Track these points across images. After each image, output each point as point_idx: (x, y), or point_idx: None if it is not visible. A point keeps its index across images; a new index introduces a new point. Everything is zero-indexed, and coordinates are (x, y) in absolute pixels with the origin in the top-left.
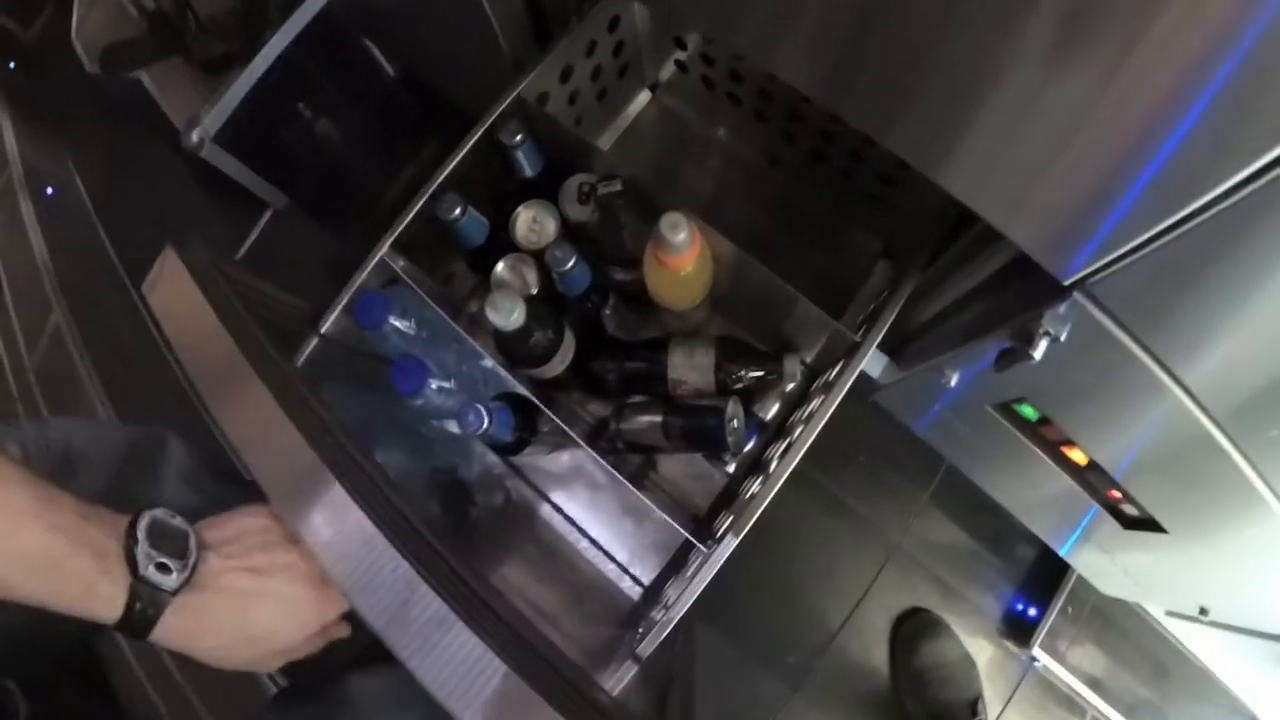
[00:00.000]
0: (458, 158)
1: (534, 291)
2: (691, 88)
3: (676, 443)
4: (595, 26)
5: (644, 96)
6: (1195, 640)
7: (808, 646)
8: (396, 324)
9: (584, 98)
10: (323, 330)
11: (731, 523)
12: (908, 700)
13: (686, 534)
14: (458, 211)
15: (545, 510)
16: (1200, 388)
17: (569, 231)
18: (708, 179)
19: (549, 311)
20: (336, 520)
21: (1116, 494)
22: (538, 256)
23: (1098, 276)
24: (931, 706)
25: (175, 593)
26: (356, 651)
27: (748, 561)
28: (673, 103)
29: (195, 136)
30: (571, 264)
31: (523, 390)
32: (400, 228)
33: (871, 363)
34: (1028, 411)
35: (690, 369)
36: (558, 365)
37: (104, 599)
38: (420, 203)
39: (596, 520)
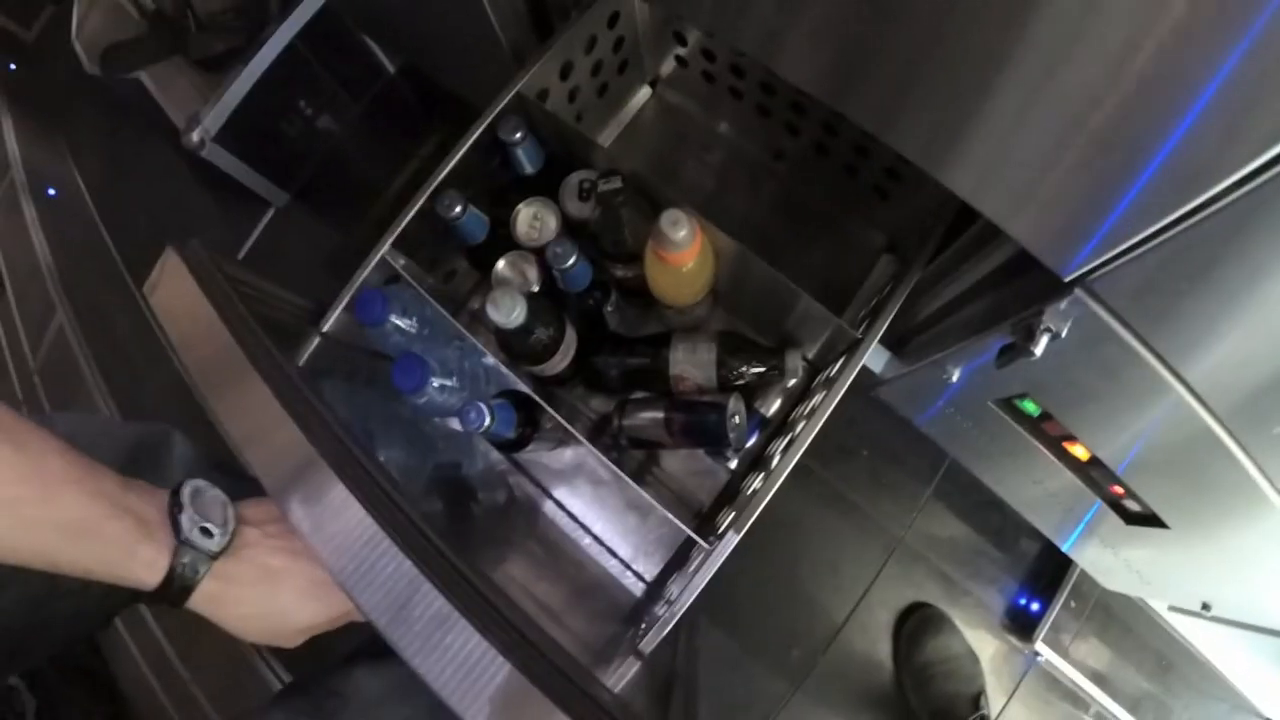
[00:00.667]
0: (458, 155)
1: (535, 289)
2: (692, 83)
3: (679, 439)
4: (595, 21)
5: (644, 92)
6: (1199, 635)
7: (811, 642)
8: (398, 322)
9: (584, 94)
10: (324, 329)
11: (733, 519)
12: (911, 695)
13: (689, 531)
14: (458, 209)
15: (548, 507)
16: (1202, 384)
17: (570, 228)
18: (709, 174)
19: (550, 308)
20: (337, 518)
21: (1119, 490)
22: (539, 254)
23: (1099, 273)
24: (935, 701)
25: (215, 556)
26: (361, 646)
27: (751, 558)
28: (674, 98)
29: (196, 136)
30: (572, 261)
31: (524, 387)
32: (401, 226)
33: (874, 358)
34: (1029, 407)
35: (692, 365)
36: (559, 362)
37: (146, 563)
38: (421, 200)
39: (599, 517)
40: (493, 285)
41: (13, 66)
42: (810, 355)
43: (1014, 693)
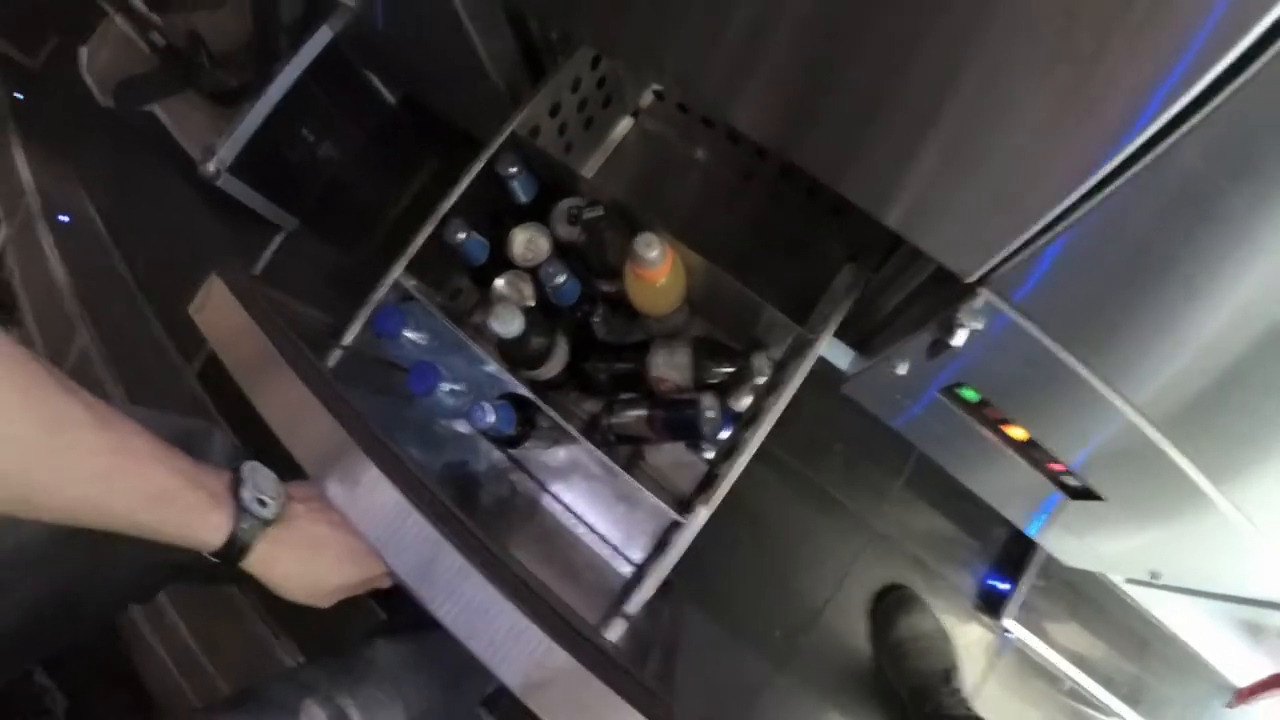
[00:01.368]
0: (461, 189)
1: (531, 303)
2: (669, 112)
3: (661, 434)
4: (579, 64)
5: (627, 122)
6: (1160, 608)
7: (793, 625)
8: (410, 335)
9: (572, 128)
10: (345, 342)
11: (704, 495)
12: (888, 671)
13: (666, 506)
14: (463, 236)
15: (546, 500)
16: (1104, 368)
17: (560, 249)
18: (687, 195)
19: (544, 320)
20: (369, 493)
21: (1056, 466)
22: (533, 272)
23: (994, 275)
24: (910, 677)
25: (269, 524)
26: (378, 626)
27: (735, 549)
28: (653, 126)
29: (212, 167)
30: (563, 279)
31: (523, 390)
32: (413, 252)
33: (840, 356)
34: (969, 394)
35: (671, 368)
36: (554, 367)
37: (213, 527)
38: (430, 229)
39: (591, 508)
40: (493, 301)
41: (20, 96)
42: (776, 356)
43: (989, 671)
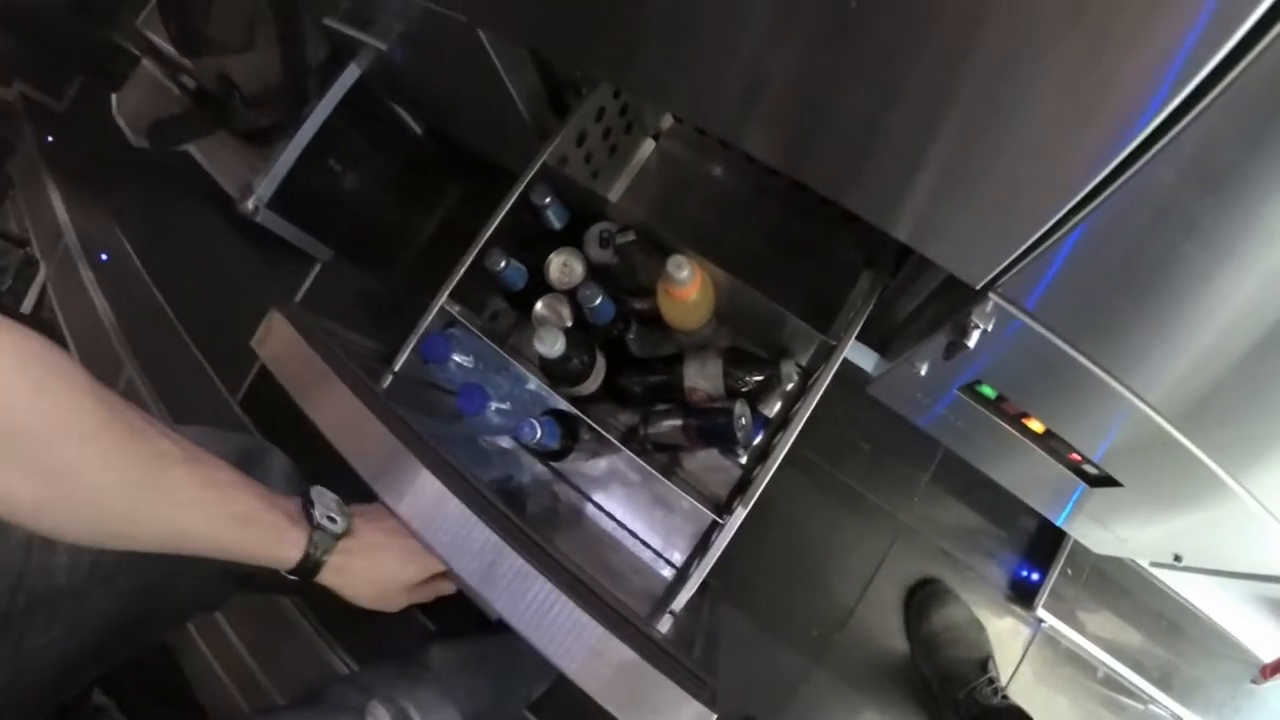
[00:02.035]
0: (498, 219)
1: (569, 324)
2: (688, 134)
3: (695, 441)
4: (602, 95)
5: (648, 145)
6: (1187, 587)
7: (828, 621)
8: (457, 359)
9: (598, 155)
10: (396, 368)
11: (741, 496)
12: (923, 664)
13: (706, 509)
14: (503, 264)
15: (589, 509)
16: (1115, 366)
17: (593, 271)
18: (708, 212)
19: (583, 339)
20: (435, 505)
21: (1075, 456)
22: (570, 294)
23: (1003, 280)
24: (944, 667)
25: (338, 538)
26: (433, 633)
27: (768, 550)
28: (673, 148)
29: (251, 204)
30: (599, 300)
31: (566, 405)
32: (456, 280)
33: (864, 359)
34: (988, 391)
35: (702, 378)
36: (593, 383)
37: (292, 542)
38: (471, 258)
39: (632, 514)
40: (535, 324)
41: (50, 138)
42: (802, 362)
43: (1022, 660)
